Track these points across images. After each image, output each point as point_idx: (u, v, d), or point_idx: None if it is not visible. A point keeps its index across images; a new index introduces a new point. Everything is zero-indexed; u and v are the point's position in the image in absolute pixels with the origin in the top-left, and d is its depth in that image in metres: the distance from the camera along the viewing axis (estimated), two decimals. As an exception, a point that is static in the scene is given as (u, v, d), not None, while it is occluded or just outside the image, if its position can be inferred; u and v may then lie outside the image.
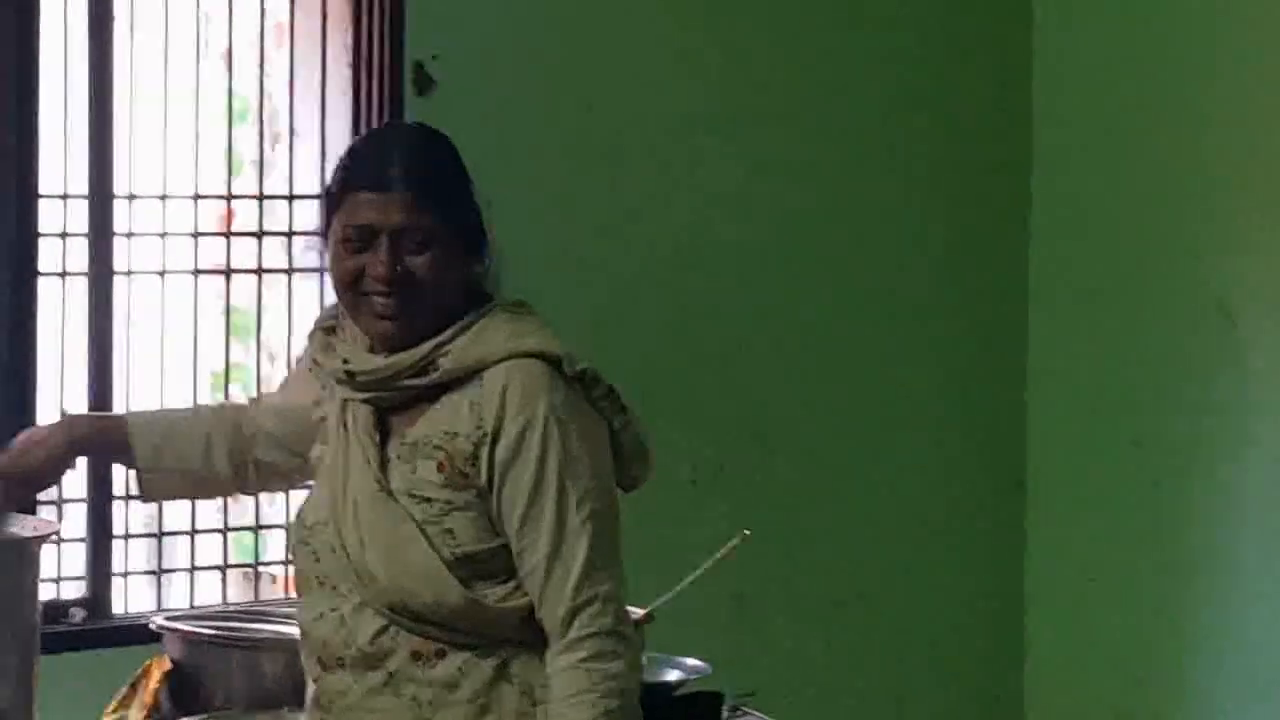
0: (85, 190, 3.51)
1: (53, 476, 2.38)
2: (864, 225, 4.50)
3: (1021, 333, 4.70)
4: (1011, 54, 4.76)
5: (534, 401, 2.05)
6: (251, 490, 2.52)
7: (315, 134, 3.80)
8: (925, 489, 4.50)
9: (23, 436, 2.35)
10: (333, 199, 2.13)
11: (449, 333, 2.12)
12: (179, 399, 3.72)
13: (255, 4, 3.79)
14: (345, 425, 2.15)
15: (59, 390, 3.65)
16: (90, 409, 3.56)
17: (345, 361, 2.12)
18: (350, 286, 2.07)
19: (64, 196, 3.48)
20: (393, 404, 2.13)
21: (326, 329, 2.21)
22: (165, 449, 2.29)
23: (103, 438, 2.39)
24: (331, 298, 2.88)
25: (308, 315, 3.53)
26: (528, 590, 2.10)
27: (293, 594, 2.62)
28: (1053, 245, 4.72)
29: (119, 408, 3.61)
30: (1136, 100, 4.64)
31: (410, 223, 2.06)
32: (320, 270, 3.70)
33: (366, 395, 2.13)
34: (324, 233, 2.14)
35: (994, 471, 4.62)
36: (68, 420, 2.45)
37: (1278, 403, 4.40)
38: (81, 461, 3.28)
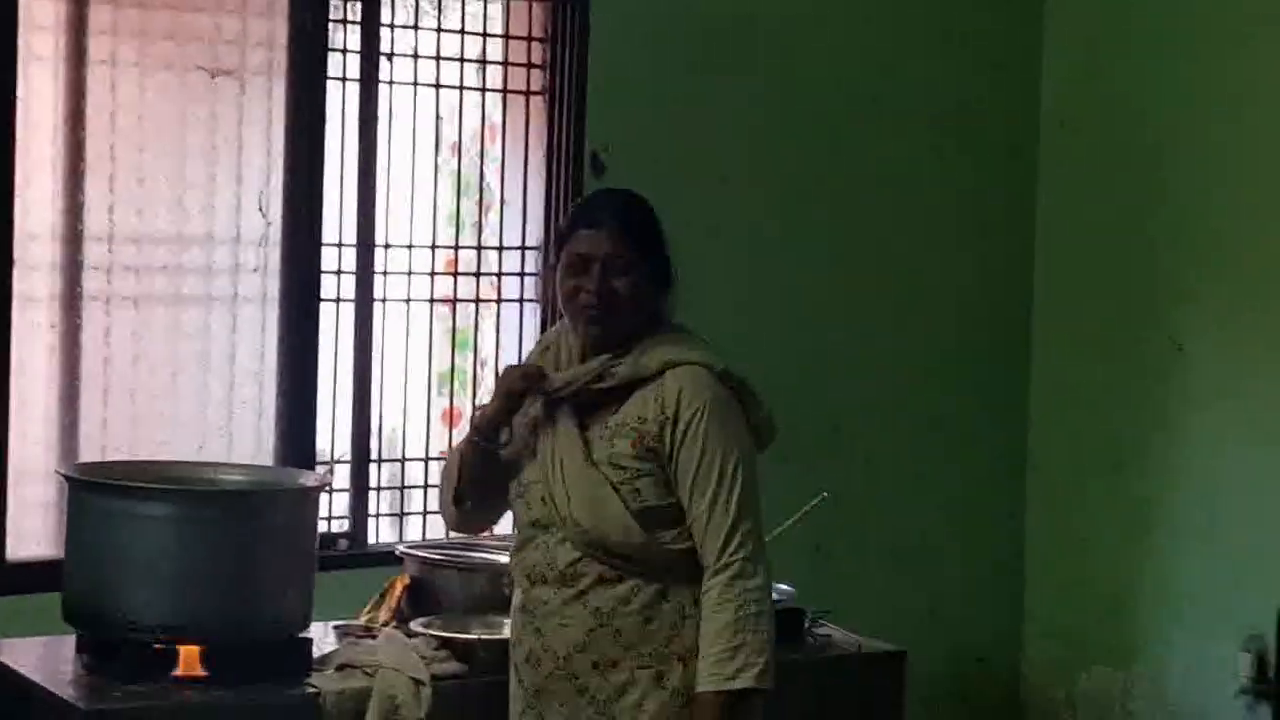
0: (354, 240, 4.09)
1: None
2: (911, 291, 4.93)
3: (1026, 359, 5.20)
4: (1021, 156, 5.15)
5: (701, 396, 2.52)
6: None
7: (519, 203, 4.32)
8: (955, 470, 4.98)
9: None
10: (562, 235, 2.64)
11: (622, 351, 2.58)
12: (416, 391, 4.33)
13: (478, 110, 4.32)
14: (553, 418, 2.60)
15: (333, 385, 4.14)
16: (355, 399, 4.19)
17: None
18: (571, 299, 2.54)
19: (339, 245, 4.06)
20: (589, 402, 2.60)
21: (543, 349, 2.72)
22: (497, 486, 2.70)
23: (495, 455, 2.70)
24: (530, 321, 3.93)
25: (511, 332, 4.36)
26: (693, 530, 2.53)
27: (495, 533, 3.31)
28: (1052, 300, 5.16)
29: (374, 399, 4.22)
30: (1130, 200, 4.94)
31: (615, 252, 2.51)
32: (519, 300, 4.37)
33: (569, 401, 2.59)
34: (555, 262, 2.62)
35: (1003, 458, 5.15)
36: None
37: (1213, 411, 4.74)
38: (345, 432, 4.04)
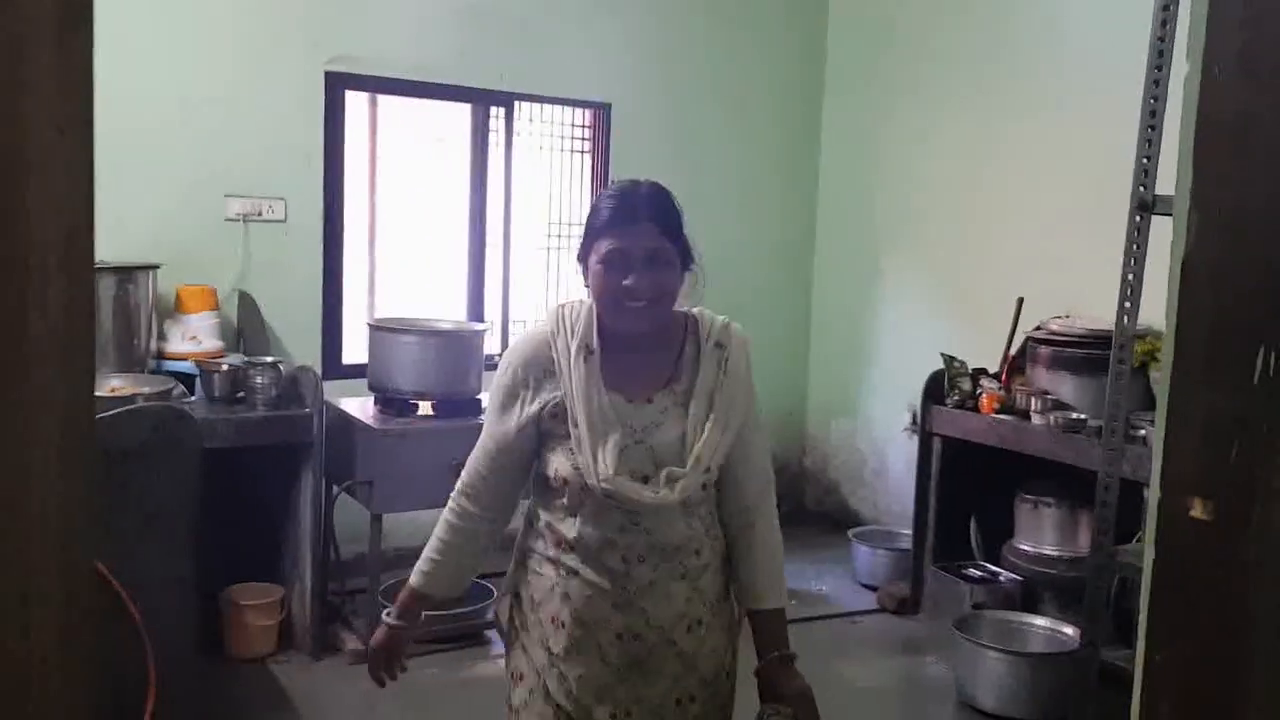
0: (502, 217, 5.27)
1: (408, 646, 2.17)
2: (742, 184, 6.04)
3: (814, 213, 6.24)
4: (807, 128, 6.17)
5: (742, 340, 2.09)
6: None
7: (579, 203, 5.52)
8: (772, 328, 5.95)
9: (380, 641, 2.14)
10: (598, 230, 1.97)
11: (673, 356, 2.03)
12: (523, 290, 5.27)
13: (561, 157, 5.40)
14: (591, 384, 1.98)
15: (496, 289, 5.09)
16: (502, 294, 5.10)
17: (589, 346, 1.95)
18: (613, 293, 1.93)
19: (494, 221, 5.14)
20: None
21: (543, 342, 2.04)
22: (454, 584, 2.12)
23: (413, 618, 2.13)
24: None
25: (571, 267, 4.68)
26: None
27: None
28: (830, 206, 6.20)
29: (509, 295, 5.10)
30: (864, 190, 5.94)
31: (657, 245, 1.94)
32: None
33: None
34: (586, 255, 2.01)
35: (796, 339, 6.34)
36: (388, 631, 2.14)
37: (899, 299, 5.78)
38: (497, 308, 4.90)
